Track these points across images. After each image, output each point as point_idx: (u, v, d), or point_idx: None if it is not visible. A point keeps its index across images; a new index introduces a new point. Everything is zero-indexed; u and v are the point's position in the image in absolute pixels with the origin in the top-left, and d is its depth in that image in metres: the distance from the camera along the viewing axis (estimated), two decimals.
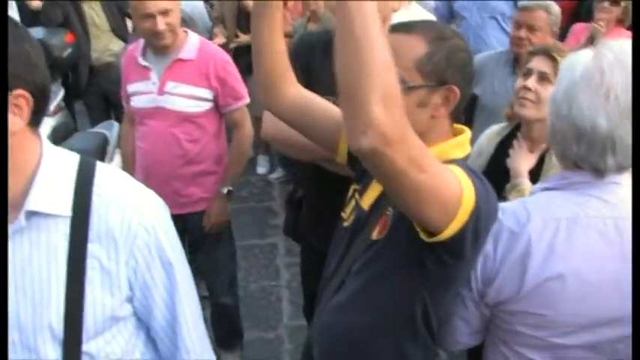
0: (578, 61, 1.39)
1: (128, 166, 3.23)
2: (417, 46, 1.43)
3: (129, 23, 5.58)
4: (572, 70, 1.39)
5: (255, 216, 5.00)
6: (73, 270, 1.23)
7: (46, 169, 1.22)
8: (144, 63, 2.93)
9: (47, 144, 1.26)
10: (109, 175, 1.30)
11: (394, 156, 1.15)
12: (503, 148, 2.46)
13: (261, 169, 5.79)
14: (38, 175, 1.21)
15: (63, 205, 1.22)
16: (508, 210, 1.47)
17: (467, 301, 1.52)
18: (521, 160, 2.31)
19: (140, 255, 1.28)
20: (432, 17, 3.97)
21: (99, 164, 1.31)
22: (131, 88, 3.00)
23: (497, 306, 1.49)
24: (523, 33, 3.33)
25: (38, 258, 1.22)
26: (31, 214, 1.21)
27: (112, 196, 1.26)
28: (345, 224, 1.66)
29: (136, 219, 1.26)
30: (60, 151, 1.29)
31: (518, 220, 1.43)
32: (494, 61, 3.51)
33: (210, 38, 5.27)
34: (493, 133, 2.59)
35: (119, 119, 5.09)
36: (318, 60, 2.23)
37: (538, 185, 1.58)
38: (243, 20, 5.34)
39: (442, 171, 1.29)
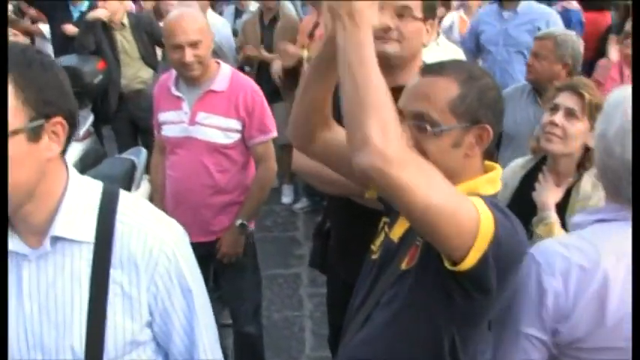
0: (626, 99, 1.39)
1: (157, 194, 3.27)
2: (449, 88, 1.45)
3: (158, 51, 5.70)
4: (622, 109, 1.38)
5: (279, 245, 5.01)
6: (96, 295, 1.26)
7: (72, 196, 1.26)
8: (176, 93, 2.97)
9: (73, 171, 1.30)
10: (131, 203, 1.34)
11: (395, 174, 1.23)
12: (528, 181, 2.47)
13: (286, 199, 5.81)
14: (64, 202, 1.25)
15: (86, 231, 1.26)
16: (571, 246, 1.45)
17: (533, 340, 1.48)
18: (548, 194, 2.32)
19: (161, 281, 1.31)
20: (460, 51, 3.98)
21: (122, 193, 1.35)
22: (163, 117, 3.04)
23: (571, 344, 1.45)
24: (531, 60, 3.46)
25: (62, 282, 1.26)
26: (56, 240, 1.24)
27: (134, 223, 1.29)
28: (374, 256, 1.67)
29: (157, 246, 1.29)
30: (84, 178, 1.33)
31: (588, 256, 1.41)
32: (519, 92, 3.58)
33: (240, 68, 5.34)
34: (517, 166, 2.60)
35: (146, 145, 5.17)
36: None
37: (587, 216, 1.55)
38: (266, 50, 5.50)
39: (457, 197, 1.33)
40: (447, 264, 1.35)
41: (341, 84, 1.32)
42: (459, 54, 3.85)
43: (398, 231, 1.59)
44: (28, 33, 5.65)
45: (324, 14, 1.53)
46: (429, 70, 1.52)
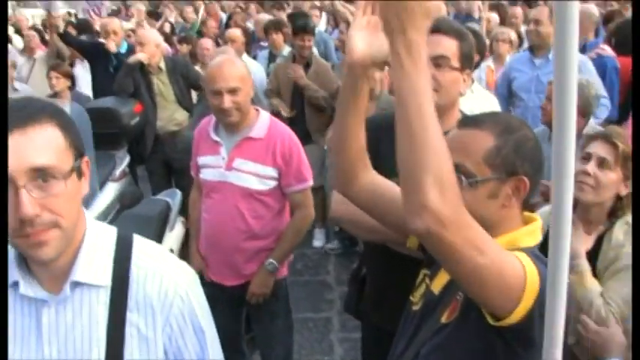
0: None
1: (193, 229, 3.32)
2: (485, 140, 1.48)
3: (194, 95, 5.81)
4: None
5: (309, 289, 4.98)
6: (113, 337, 1.30)
7: (90, 241, 1.32)
8: (215, 138, 3.01)
9: (89, 217, 1.36)
10: (144, 247, 1.40)
11: (450, 237, 1.21)
12: None
13: (318, 242, 5.78)
14: (83, 247, 1.31)
15: (104, 275, 1.31)
16: None
17: None
18: (578, 242, 2.29)
19: (175, 322, 1.35)
20: (493, 99, 4.00)
21: (135, 237, 1.41)
22: (201, 160, 3.09)
23: None
24: (545, 104, 3.62)
25: (81, 326, 1.30)
26: (75, 285, 1.29)
27: (149, 266, 1.35)
28: (415, 308, 1.67)
29: (172, 288, 1.34)
30: (99, 223, 1.39)
31: None
32: (540, 137, 3.56)
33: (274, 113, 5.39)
34: (545, 213, 2.58)
35: (180, 186, 5.25)
36: (384, 141, 2.26)
37: None
38: (298, 92, 5.51)
39: (503, 255, 1.33)
40: (489, 319, 1.35)
41: (396, 130, 1.25)
42: (492, 102, 3.85)
43: (439, 283, 1.59)
44: (68, 75, 5.80)
45: (351, 33, 1.56)
46: (467, 122, 1.56)
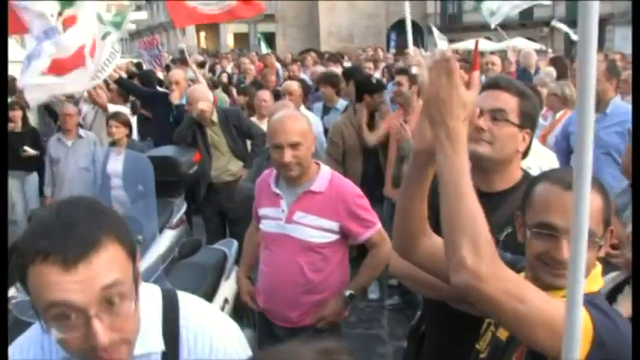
0: None
1: (245, 258, 3.45)
2: (597, 201, 1.56)
3: (250, 145, 5.91)
4: None
5: (363, 342, 4.91)
6: None
7: (141, 314, 1.29)
8: (276, 190, 3.05)
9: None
10: (191, 305, 1.43)
11: (488, 290, 1.37)
12: (614, 294, 2.38)
13: (372, 295, 5.72)
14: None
15: (156, 342, 1.34)
16: None
17: None
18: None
19: None
20: (553, 157, 3.95)
21: (180, 295, 1.43)
22: (262, 211, 3.13)
23: None
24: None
25: None
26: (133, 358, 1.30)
27: (197, 328, 1.38)
28: (482, 355, 1.72)
29: (222, 347, 1.38)
30: (144, 287, 1.37)
31: None
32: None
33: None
34: (606, 278, 2.52)
35: (234, 235, 5.31)
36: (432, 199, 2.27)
37: None
38: (369, 150, 5.50)
39: (549, 302, 1.40)
40: None
41: (440, 199, 1.49)
42: (552, 159, 3.80)
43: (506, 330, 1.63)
44: (127, 124, 6.01)
45: (419, 123, 1.64)
46: (559, 180, 1.60)
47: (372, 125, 5.51)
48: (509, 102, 2.11)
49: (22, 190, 7.30)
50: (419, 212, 1.74)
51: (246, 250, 3.44)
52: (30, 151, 7.33)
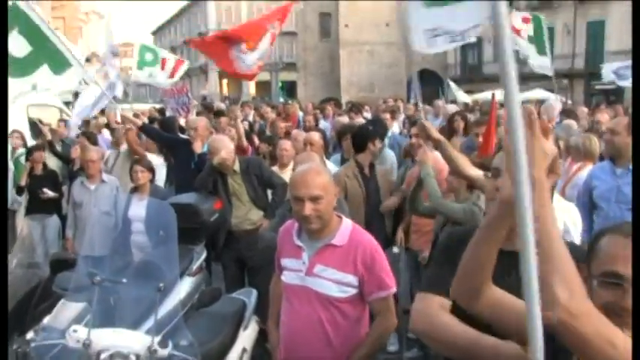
0: None
1: (274, 307, 3.39)
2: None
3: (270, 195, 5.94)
4: None
5: None
6: None
7: None
8: (297, 242, 3.05)
9: None
10: None
11: (581, 328, 1.41)
12: None
13: (392, 347, 5.63)
14: None
15: None
16: None
17: None
18: None
19: None
20: (575, 210, 3.95)
21: None
22: (283, 262, 3.14)
23: None
24: None
25: None
26: None
27: None
28: None
29: None
30: None
31: None
32: None
33: None
34: None
35: (253, 284, 5.31)
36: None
37: None
38: (371, 198, 5.53)
39: (630, 349, 1.43)
40: None
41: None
42: (574, 212, 3.80)
43: None
44: (151, 169, 6.11)
45: (504, 181, 1.68)
46: (620, 231, 1.66)
47: (372, 174, 5.63)
48: None
49: (42, 233, 7.39)
50: (491, 261, 1.77)
51: (273, 301, 3.42)
52: (49, 193, 7.50)
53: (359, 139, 5.76)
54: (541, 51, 11.03)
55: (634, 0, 1.98)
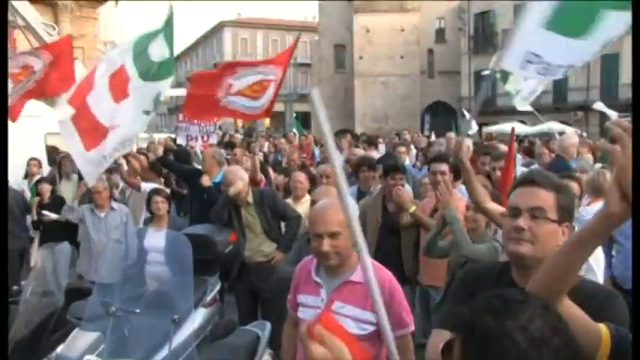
0: None
1: (288, 350, 3.28)
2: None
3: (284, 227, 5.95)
4: None
5: None
6: None
7: None
8: (316, 278, 3.01)
9: None
10: None
11: None
12: None
13: None
14: None
15: None
16: None
17: None
18: None
19: None
20: (597, 251, 3.90)
21: None
22: (300, 298, 3.09)
23: None
24: None
25: None
26: None
27: None
28: None
29: None
30: None
31: None
32: None
33: None
34: None
35: (265, 316, 5.29)
36: (482, 292, 2.24)
37: None
38: (386, 232, 5.43)
39: None
40: None
41: None
42: (596, 254, 3.70)
43: None
44: (169, 200, 6.16)
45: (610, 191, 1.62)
46: None
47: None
48: (546, 199, 2.10)
49: (55, 261, 7.44)
50: (574, 273, 1.74)
51: (286, 345, 3.34)
52: (50, 215, 7.60)
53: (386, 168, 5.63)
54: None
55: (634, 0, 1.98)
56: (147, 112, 5.52)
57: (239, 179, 5.65)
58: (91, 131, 5.38)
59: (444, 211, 4.21)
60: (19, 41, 10.20)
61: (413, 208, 5.03)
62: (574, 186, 4.40)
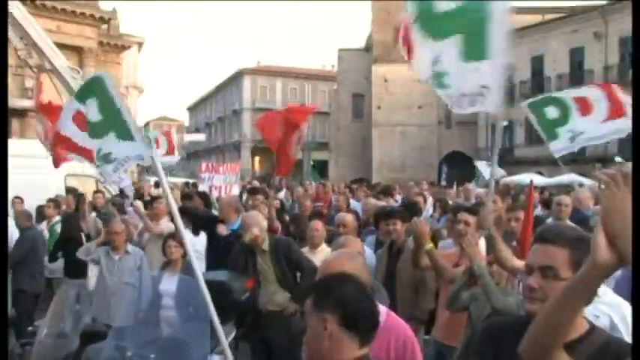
0: None
1: None
2: None
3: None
4: None
5: None
6: None
7: None
8: None
9: None
10: None
11: None
12: None
13: None
14: None
15: None
16: None
17: None
18: None
19: None
20: (625, 304, 3.79)
21: None
22: None
23: None
24: None
25: None
26: None
27: None
28: None
29: None
30: None
31: None
32: None
33: None
34: None
35: None
36: (506, 345, 2.21)
37: None
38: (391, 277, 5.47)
39: None
40: None
41: None
42: (625, 308, 3.53)
43: None
44: (183, 244, 6.18)
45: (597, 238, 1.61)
46: None
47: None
48: (558, 257, 2.04)
49: (77, 297, 7.57)
50: (568, 324, 1.73)
51: None
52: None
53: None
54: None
55: (634, 1, 1.99)
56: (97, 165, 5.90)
57: (255, 225, 5.64)
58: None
59: (471, 262, 4.13)
60: (46, 85, 10.52)
61: (430, 246, 4.90)
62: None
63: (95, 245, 7.29)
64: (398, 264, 5.59)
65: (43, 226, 9.60)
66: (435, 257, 4.86)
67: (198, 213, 7.80)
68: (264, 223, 5.85)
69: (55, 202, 9.99)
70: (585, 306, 1.75)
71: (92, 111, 5.44)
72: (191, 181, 20.70)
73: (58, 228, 9.11)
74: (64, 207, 10.19)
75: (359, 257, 3.16)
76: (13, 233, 8.35)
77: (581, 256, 2.04)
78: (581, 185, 13.05)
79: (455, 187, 16.33)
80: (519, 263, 3.52)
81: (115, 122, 5.37)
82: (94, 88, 5.41)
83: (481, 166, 21.30)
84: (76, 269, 7.67)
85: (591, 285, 1.64)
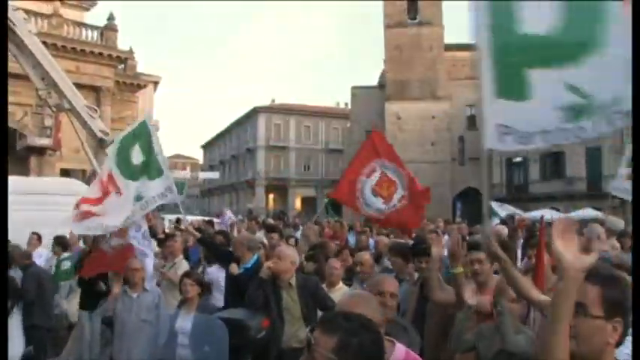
0: None
1: None
2: None
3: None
4: None
5: None
6: None
7: None
8: None
9: None
10: None
11: None
12: None
13: None
14: None
15: None
16: None
17: None
18: None
19: None
20: None
21: None
22: None
23: None
24: None
25: None
26: None
27: None
28: None
29: None
30: None
31: None
32: None
33: None
34: None
35: None
36: None
37: None
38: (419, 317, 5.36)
39: None
40: None
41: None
42: None
43: None
44: (200, 283, 6.16)
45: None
46: None
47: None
48: (588, 293, 2.02)
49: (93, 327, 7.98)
50: (564, 339, 1.83)
51: None
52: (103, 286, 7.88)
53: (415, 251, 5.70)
54: None
55: (634, 1, 1.96)
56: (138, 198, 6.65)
57: (288, 258, 5.64)
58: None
59: (498, 298, 4.04)
60: (64, 124, 10.73)
61: (460, 270, 4.67)
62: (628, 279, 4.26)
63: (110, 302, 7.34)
64: (428, 304, 5.44)
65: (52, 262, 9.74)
66: (460, 283, 4.65)
67: (218, 249, 7.86)
68: (297, 259, 5.86)
69: (63, 239, 10.11)
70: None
71: (136, 154, 6.14)
72: (207, 218, 20.79)
73: (65, 265, 9.45)
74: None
75: (373, 301, 3.14)
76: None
77: (614, 295, 2.04)
78: (595, 220, 12.91)
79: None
80: (543, 297, 3.46)
81: (151, 162, 5.96)
82: (139, 133, 6.21)
83: (494, 205, 21.23)
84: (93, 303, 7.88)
85: (571, 289, 1.79)
